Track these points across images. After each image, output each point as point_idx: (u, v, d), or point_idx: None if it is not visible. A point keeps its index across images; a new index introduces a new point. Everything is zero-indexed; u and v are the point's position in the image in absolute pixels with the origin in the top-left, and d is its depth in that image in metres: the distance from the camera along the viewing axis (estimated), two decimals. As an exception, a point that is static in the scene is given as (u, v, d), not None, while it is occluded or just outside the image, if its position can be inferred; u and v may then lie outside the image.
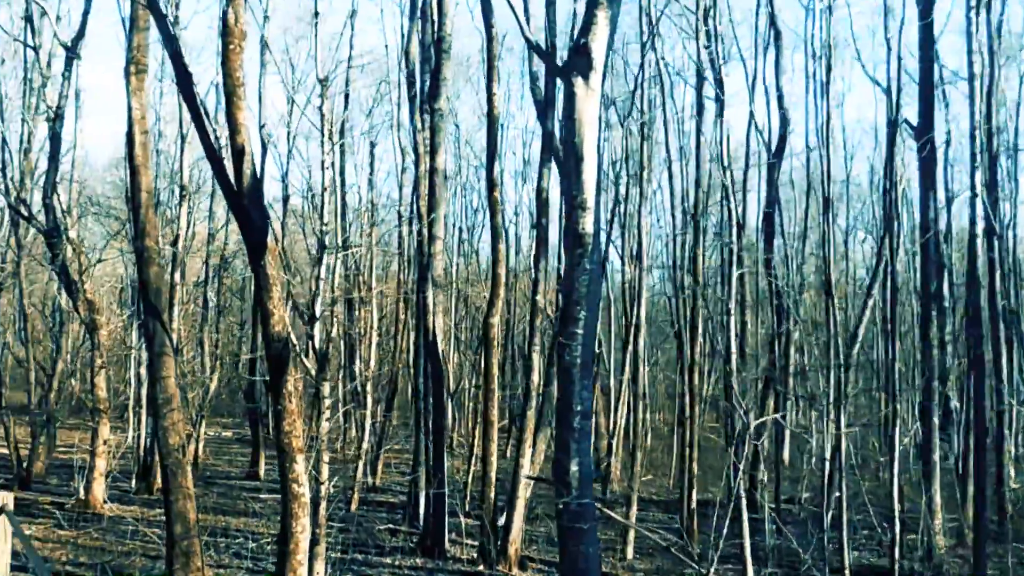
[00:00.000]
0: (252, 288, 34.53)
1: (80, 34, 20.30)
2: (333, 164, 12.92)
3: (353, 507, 20.09)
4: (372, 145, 27.23)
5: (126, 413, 25.82)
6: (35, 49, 21.96)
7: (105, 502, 20.62)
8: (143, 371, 23.58)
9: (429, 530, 15.86)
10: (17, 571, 10.16)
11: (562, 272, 15.75)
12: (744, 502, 10.05)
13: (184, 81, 10.69)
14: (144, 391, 23.61)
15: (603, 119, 26.46)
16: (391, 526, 18.04)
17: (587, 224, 8.49)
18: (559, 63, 9.20)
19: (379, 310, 26.42)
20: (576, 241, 8.53)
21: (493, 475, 15.07)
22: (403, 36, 24.29)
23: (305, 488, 10.83)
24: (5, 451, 31.59)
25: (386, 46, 19.23)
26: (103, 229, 37.37)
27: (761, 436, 11.20)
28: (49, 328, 33.02)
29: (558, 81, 13.52)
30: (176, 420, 13.03)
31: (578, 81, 8.51)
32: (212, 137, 10.89)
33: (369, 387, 20.57)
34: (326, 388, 12.81)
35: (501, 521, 15.11)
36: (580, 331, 8.46)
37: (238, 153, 10.32)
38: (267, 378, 27.54)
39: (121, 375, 28.45)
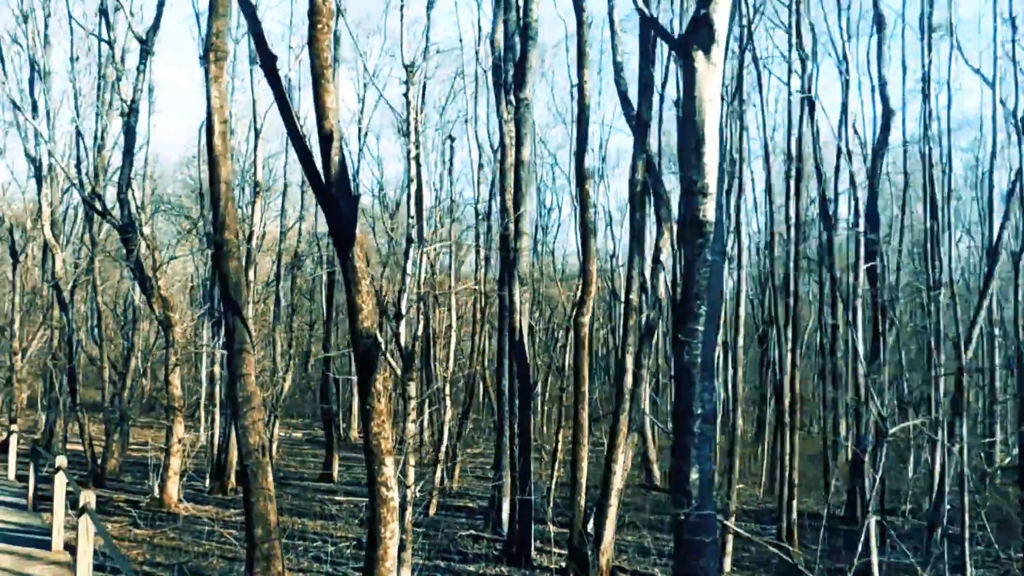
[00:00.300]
0: (324, 287, 34.38)
1: (155, 26, 20.06)
2: (419, 156, 12.27)
3: (431, 511, 19.53)
4: (451, 139, 26.70)
5: (197, 411, 25.68)
6: (110, 43, 21.79)
7: (180, 501, 20.33)
8: (216, 369, 23.32)
9: (514, 537, 15.19)
10: (96, 570, 9.81)
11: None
12: (874, 518, 9.18)
13: (268, 63, 10.16)
14: (217, 389, 23.36)
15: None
16: (473, 532, 17.42)
17: (708, 211, 7.74)
18: (676, 37, 8.42)
19: (457, 309, 25.82)
20: (696, 230, 7.78)
21: (584, 481, 14.34)
22: (479, 30, 23.78)
23: (395, 492, 10.23)
24: (80, 448, 31.77)
25: (460, 40, 18.62)
26: (173, 228, 37.53)
27: (884, 446, 10.34)
28: (121, 326, 33.16)
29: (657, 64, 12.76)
30: (256, 419, 12.54)
31: (698, 55, 7.77)
32: (298, 123, 10.32)
33: (447, 388, 19.95)
34: (412, 388, 12.20)
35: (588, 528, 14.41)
36: (700, 328, 7.72)
37: (326, 139, 9.75)
38: (338, 378, 27.29)
39: (191, 373, 28.35)
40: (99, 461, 23.33)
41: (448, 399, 19.75)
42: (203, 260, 29.24)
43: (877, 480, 8.42)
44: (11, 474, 20.06)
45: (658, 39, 14.01)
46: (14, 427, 20.20)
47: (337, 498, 22.47)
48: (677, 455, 7.87)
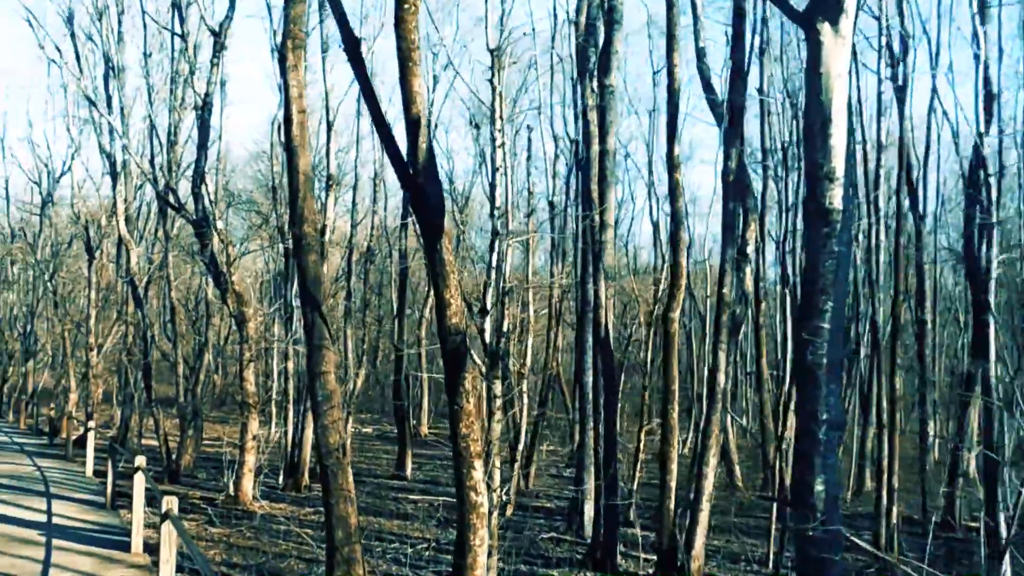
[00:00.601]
0: (395, 282, 34.15)
1: (228, 17, 19.88)
2: (504, 144, 11.74)
3: (508, 512, 19.05)
4: (529, 129, 26.12)
5: (268, 407, 25.53)
6: (183, 37, 21.69)
7: (254, 499, 20.14)
8: (289, 365, 23.12)
9: (599, 541, 14.61)
10: (176, 573, 9.52)
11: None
12: (1008, 530, 8.41)
13: (351, 46, 9.72)
14: (290, 385, 23.16)
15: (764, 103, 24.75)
16: (554, 535, 16.87)
17: (835, 198, 7.09)
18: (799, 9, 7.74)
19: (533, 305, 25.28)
20: (821, 218, 7.13)
21: (674, 484, 13.69)
22: (554, 17, 23.21)
23: (484, 497, 9.73)
24: (154, 443, 31.95)
25: (533, 28, 18.05)
26: (243, 223, 37.66)
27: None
28: (193, 322, 33.30)
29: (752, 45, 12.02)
30: (336, 418, 12.15)
31: (824, 28, 7.10)
32: (383, 109, 9.86)
33: (524, 386, 19.44)
34: (498, 387, 11.71)
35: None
36: (826, 325, 7.07)
37: (412, 124, 9.27)
38: (408, 374, 26.96)
39: (262, 368, 28.23)
40: (173, 457, 23.29)
41: (526, 397, 19.24)
42: (274, 255, 29.17)
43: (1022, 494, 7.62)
44: (89, 470, 20.04)
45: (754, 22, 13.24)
46: (91, 423, 20.16)
47: (412, 496, 22.12)
48: (799, 465, 7.22)
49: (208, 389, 32.36)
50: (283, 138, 12.79)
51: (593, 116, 15.35)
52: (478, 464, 9.69)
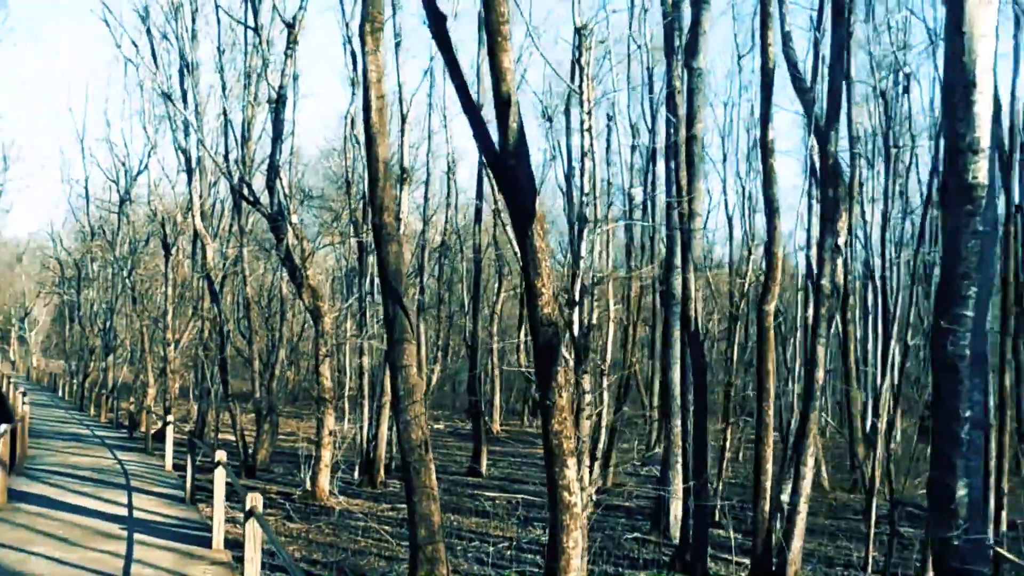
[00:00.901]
0: (468, 276, 33.80)
1: (301, 7, 19.70)
2: (591, 128, 11.21)
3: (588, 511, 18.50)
4: (609, 118, 25.49)
5: (340, 402, 25.34)
6: (256, 30, 21.53)
7: (331, 494, 19.92)
8: (364, 361, 22.88)
9: (688, 544, 13.98)
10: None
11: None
12: None
13: (437, 24, 9.29)
14: (365, 380, 22.92)
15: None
16: (638, 535, 16.29)
17: (980, 171, 6.41)
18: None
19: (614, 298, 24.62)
20: (963, 194, 6.45)
21: (769, 485, 13.01)
22: (631, 2, 22.55)
23: (578, 497, 9.25)
24: (230, 437, 32.07)
25: (607, 13, 17.35)
26: (315, 221, 37.60)
27: None
28: (265, 318, 33.36)
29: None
30: (419, 413, 11.77)
31: (967, -18, 6.42)
32: (470, 90, 9.41)
33: (606, 382, 18.83)
34: (587, 381, 11.19)
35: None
36: (969, 313, 6.41)
37: (503, 104, 8.80)
38: (479, 371, 26.51)
39: (335, 364, 28.07)
40: (250, 452, 23.24)
41: (607, 392, 18.64)
42: (344, 252, 28.95)
43: None
44: (168, 464, 19.98)
45: None
46: (169, 417, 20.11)
47: (488, 494, 21.72)
48: (938, 467, 6.56)
49: (282, 385, 32.28)
50: (363, 125, 12.41)
51: (680, 100, 14.71)
52: (571, 462, 9.20)
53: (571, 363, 10.94)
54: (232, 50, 27.61)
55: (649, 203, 23.39)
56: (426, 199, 29.77)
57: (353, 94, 22.92)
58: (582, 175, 11.11)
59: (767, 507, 13.02)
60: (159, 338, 41.26)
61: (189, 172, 24.36)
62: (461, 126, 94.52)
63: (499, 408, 39.98)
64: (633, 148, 23.64)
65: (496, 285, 34.71)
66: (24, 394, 24.66)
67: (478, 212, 24.48)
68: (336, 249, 35.25)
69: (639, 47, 22.27)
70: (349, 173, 22.75)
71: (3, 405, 40.08)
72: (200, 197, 24.66)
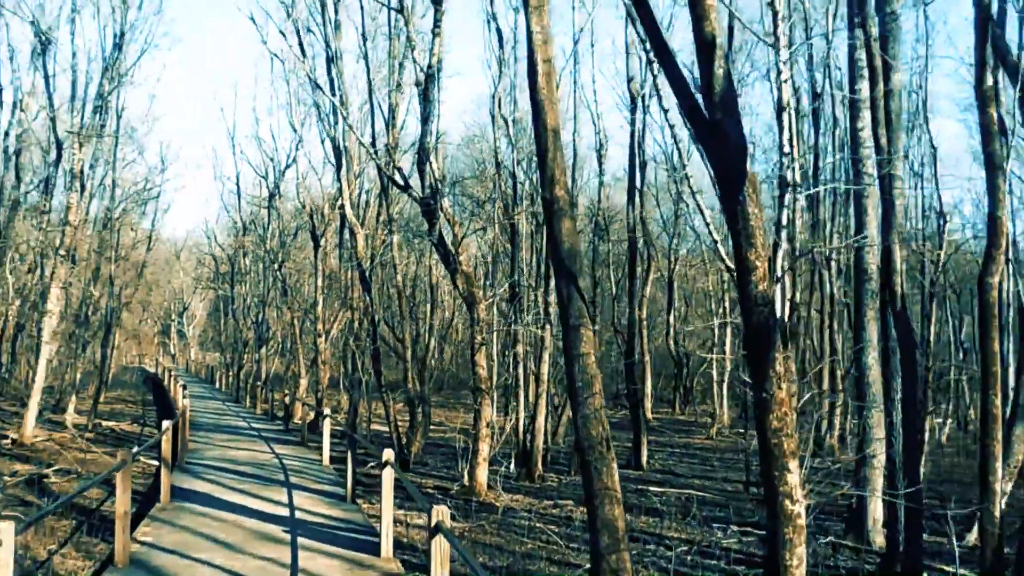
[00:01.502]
0: (625, 259, 32.55)
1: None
2: (790, 79, 9.78)
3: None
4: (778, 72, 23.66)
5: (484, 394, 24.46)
6: (401, 11, 20.77)
7: (490, 488, 19.05)
8: (519, 349, 21.94)
9: (896, 552, 12.39)
10: None
11: None
12: None
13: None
14: (521, 370, 21.97)
15: None
16: (832, 539, 14.73)
17: None
18: None
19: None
20: None
21: (999, 487, 11.33)
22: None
23: (800, 507, 7.91)
24: (381, 428, 31.75)
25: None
26: (461, 210, 36.98)
27: None
28: (410, 308, 32.93)
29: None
30: (598, 406, 10.61)
31: None
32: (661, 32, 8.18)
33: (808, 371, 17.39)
34: (791, 367, 9.77)
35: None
36: None
37: (705, 47, 7.57)
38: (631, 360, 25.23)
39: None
40: (403, 442, 22.64)
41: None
42: (489, 239, 28.13)
43: None
44: (325, 459, 19.50)
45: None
46: (326, 410, 19.62)
47: (652, 489, 20.45)
48: None
49: (432, 374, 31.87)
50: (528, 92, 11.31)
51: (874, 49, 13.01)
52: (792, 465, 7.89)
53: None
54: (374, 38, 27.16)
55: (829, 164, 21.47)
56: (573, 179, 28.62)
57: (501, 74, 21.99)
58: (780, 132, 9.69)
59: (998, 511, 11.34)
60: (309, 329, 41.66)
61: (338, 161, 23.89)
62: (607, 105, 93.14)
63: (650, 395, 38.62)
64: (817, 105, 21.79)
65: (643, 269, 33.34)
66: (184, 387, 24.79)
67: (631, 191, 23.13)
68: (478, 237, 34.56)
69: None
70: (497, 154, 21.82)
71: (165, 398, 41.20)
72: (350, 185, 24.11)
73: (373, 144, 22.63)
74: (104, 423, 32.04)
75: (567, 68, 24.42)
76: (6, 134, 30.51)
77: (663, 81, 10.95)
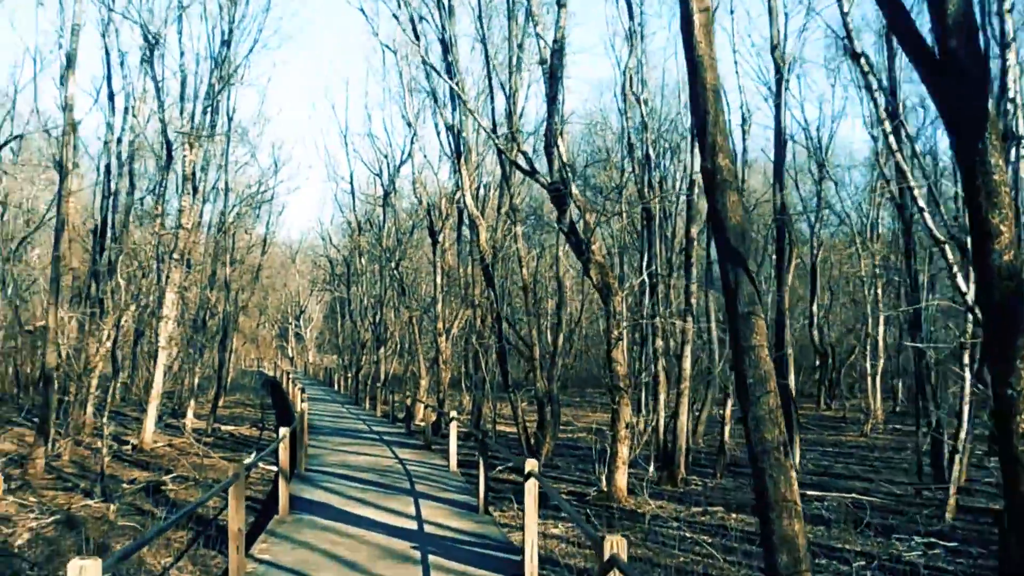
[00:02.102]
0: (771, 235, 30.69)
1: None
2: (1012, 8, 8.14)
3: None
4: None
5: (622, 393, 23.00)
6: (522, -13, 19.60)
7: (630, 493, 17.69)
8: (659, 343, 20.46)
9: None
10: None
11: None
12: None
13: None
14: (659, 365, 20.50)
15: None
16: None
17: None
18: None
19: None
20: None
21: None
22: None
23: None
24: (507, 429, 30.66)
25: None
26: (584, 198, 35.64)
27: None
28: (529, 304, 31.70)
29: None
30: (773, 406, 9.10)
31: None
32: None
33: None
34: None
35: None
36: None
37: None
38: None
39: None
40: (532, 444, 21.46)
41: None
42: (610, 232, 26.74)
43: None
44: (452, 464, 18.42)
45: None
46: (453, 413, 18.55)
47: (811, 492, 18.70)
48: None
49: (557, 371, 30.53)
50: (683, 48, 9.89)
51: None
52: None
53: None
54: (490, 21, 26.07)
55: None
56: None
57: (631, 48, 20.60)
58: (1004, 74, 8.06)
59: None
60: (427, 329, 40.99)
61: (456, 150, 22.84)
62: (732, 84, 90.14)
63: (794, 389, 36.52)
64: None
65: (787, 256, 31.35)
66: (303, 390, 24.15)
67: (778, 170, 21.35)
68: (603, 227, 33.14)
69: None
70: (628, 136, 20.44)
71: (284, 402, 41.10)
72: (470, 175, 23.03)
73: (494, 129, 21.52)
74: (223, 427, 31.89)
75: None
76: (119, 140, 30.57)
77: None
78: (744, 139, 23.20)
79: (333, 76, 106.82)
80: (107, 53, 28.86)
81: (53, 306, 22.28)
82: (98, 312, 26.34)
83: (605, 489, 17.79)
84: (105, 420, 19.33)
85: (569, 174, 17.87)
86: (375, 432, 25.59)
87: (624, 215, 22.82)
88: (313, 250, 67.69)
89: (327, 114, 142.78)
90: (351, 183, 67.05)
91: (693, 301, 19.80)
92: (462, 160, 22.42)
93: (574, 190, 18.08)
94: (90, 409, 29.12)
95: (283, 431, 12.33)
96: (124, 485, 19.26)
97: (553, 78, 17.82)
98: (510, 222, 21.68)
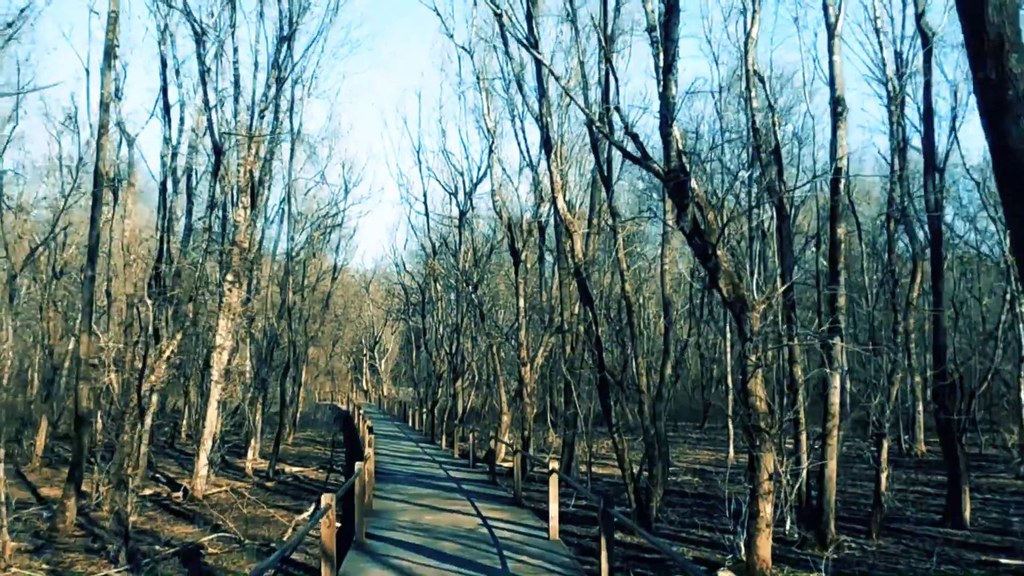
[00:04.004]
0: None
1: None
2: None
3: None
4: None
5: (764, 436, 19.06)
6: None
7: (775, 561, 13.82)
8: (797, 369, 16.63)
9: None
10: None
11: None
12: None
13: None
14: (799, 398, 16.64)
15: None
16: None
17: None
18: None
19: None
20: None
21: None
22: None
23: None
24: (602, 471, 26.89)
25: None
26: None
27: None
28: (636, 326, 28.00)
29: None
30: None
31: None
32: None
33: None
34: None
35: None
36: None
37: None
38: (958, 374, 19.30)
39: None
40: (639, 494, 17.71)
41: None
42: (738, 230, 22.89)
43: None
44: (552, 529, 14.48)
45: None
46: (553, 464, 14.82)
47: (1005, 561, 14.65)
48: None
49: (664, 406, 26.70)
50: None
51: None
52: None
53: None
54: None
55: None
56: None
57: (754, 14, 17.02)
58: None
59: None
60: (506, 359, 37.62)
61: (546, 145, 19.26)
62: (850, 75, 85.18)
63: (922, 425, 32.06)
64: None
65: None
66: (371, 430, 20.83)
67: (929, 159, 17.28)
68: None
69: None
70: (753, 116, 16.76)
71: (355, 439, 37.98)
72: (562, 175, 19.45)
73: (585, 102, 18.02)
74: (288, 468, 28.75)
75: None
76: (174, 155, 27.87)
77: None
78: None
79: (406, 92, 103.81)
80: (163, 63, 26.17)
81: (86, 335, 19.37)
82: (152, 343, 23.42)
83: (744, 559, 13.95)
84: (134, 469, 16.18)
85: (689, 159, 14.26)
86: (453, 479, 22.06)
87: (743, 215, 18.96)
88: (387, 278, 64.88)
89: (399, 131, 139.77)
90: (424, 204, 64.14)
91: (841, 318, 15.93)
92: (552, 156, 18.90)
93: (694, 184, 14.43)
94: (143, 450, 26.30)
95: (325, 500, 8.83)
96: (158, 548, 16.07)
97: (668, 40, 14.24)
98: (607, 228, 18.03)
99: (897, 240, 18.50)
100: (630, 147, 15.09)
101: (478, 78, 30.65)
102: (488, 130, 31.01)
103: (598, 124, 15.41)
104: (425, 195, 68.07)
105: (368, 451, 15.70)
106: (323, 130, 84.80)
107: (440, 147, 79.99)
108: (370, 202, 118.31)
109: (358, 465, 12.48)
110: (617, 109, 14.93)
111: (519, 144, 34.34)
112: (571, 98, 15.09)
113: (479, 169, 39.46)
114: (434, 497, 18.40)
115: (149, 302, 25.53)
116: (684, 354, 48.23)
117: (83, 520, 18.56)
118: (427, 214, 47.39)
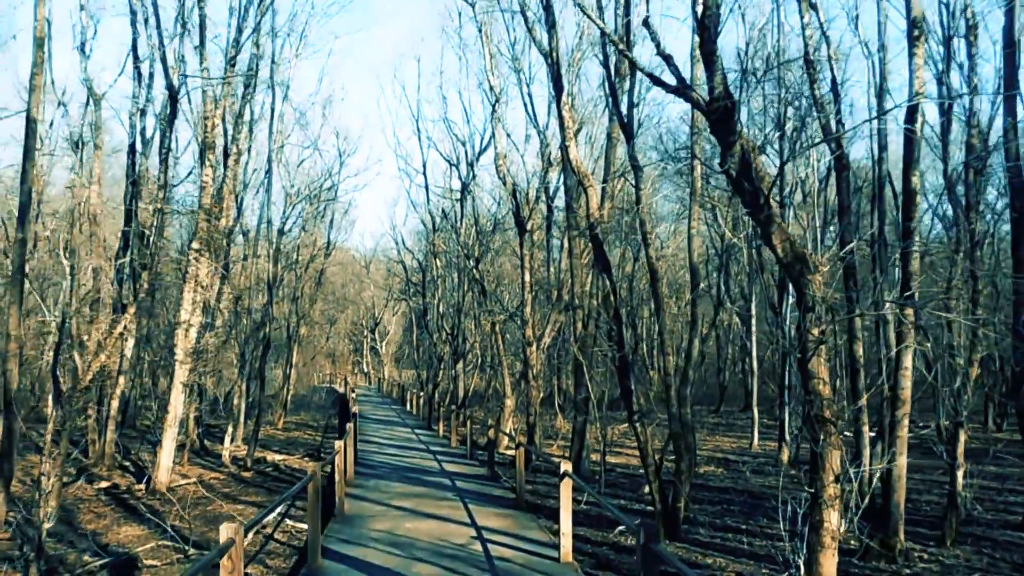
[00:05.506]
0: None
1: None
2: None
3: None
4: None
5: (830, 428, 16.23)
6: None
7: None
8: (858, 348, 13.84)
9: None
10: None
11: None
12: None
13: None
14: (860, 381, 13.83)
15: None
16: None
17: None
18: None
19: None
20: None
21: None
22: None
23: None
24: (617, 461, 24.28)
25: None
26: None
27: None
28: (663, 298, 25.28)
29: None
30: None
31: None
32: None
33: None
34: None
35: None
36: None
37: None
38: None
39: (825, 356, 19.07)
40: (664, 494, 14.90)
41: None
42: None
43: None
44: (565, 548, 11.36)
45: None
46: (566, 466, 12.01)
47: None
48: None
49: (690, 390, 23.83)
50: None
51: None
52: None
53: None
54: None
55: None
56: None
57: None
58: None
59: None
60: (510, 342, 34.97)
61: (556, 83, 16.34)
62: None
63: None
64: None
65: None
66: (355, 416, 18.08)
67: (1012, 102, 14.38)
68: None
69: None
70: (807, 49, 13.89)
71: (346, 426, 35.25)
72: (570, 119, 16.50)
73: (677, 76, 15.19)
74: (270, 456, 26.04)
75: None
76: (142, 113, 25.03)
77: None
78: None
79: (404, 58, 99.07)
80: (132, 12, 23.35)
81: (16, 307, 16.62)
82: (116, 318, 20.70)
83: (805, 573, 11.18)
84: (52, 458, 13.48)
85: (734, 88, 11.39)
86: (447, 474, 19.31)
87: (802, 153, 16.00)
88: (386, 255, 62.05)
89: (397, 99, 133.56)
90: (424, 176, 61.22)
91: (914, 285, 13.09)
92: (562, 98, 16.02)
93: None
94: (110, 437, 23.64)
95: (227, 532, 5.99)
96: (86, 558, 13.36)
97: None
98: (634, 180, 15.15)
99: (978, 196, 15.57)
100: (663, 75, 12.26)
101: (480, 28, 27.82)
102: (491, 88, 28.19)
103: (621, 46, 12.51)
104: (425, 167, 65.33)
105: (338, 445, 12.96)
106: (314, 95, 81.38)
107: (441, 115, 77.05)
108: (367, 175, 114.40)
109: (312, 467, 9.69)
110: (646, 24, 12.01)
111: (525, 106, 31.64)
112: (583, 10, 12.16)
113: (482, 138, 36.72)
114: (422, 497, 15.65)
115: (107, 268, 22.81)
116: (711, 332, 45.37)
117: (16, 519, 15.90)
118: (427, 187, 44.77)
